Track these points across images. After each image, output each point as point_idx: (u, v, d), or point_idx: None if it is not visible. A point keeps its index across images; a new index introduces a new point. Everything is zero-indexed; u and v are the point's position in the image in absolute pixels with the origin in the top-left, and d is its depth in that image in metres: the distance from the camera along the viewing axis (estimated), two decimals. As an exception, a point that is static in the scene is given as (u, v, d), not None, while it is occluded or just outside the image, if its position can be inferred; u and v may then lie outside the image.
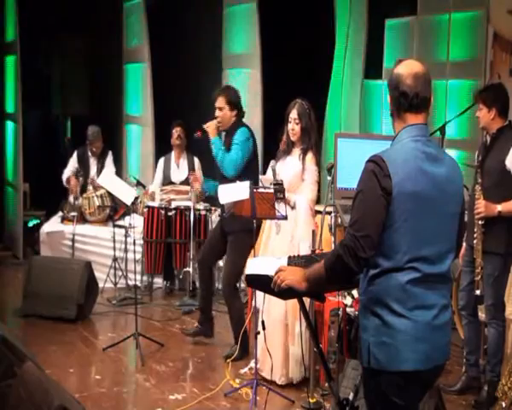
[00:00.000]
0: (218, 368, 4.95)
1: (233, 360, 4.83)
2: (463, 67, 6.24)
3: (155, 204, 6.78)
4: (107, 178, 5.71)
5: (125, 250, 6.73)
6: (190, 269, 6.51)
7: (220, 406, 4.27)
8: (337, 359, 4.36)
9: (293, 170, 4.54)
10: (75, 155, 7.43)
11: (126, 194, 5.42)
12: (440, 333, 2.35)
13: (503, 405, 3.91)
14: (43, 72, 10.08)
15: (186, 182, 6.94)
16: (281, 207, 4.29)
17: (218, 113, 5.04)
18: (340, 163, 4.14)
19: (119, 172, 7.81)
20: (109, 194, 6.81)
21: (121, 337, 5.26)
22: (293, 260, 2.64)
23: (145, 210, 6.79)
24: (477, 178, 4.19)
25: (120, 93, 8.99)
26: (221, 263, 6.05)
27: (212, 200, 6.36)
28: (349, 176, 4.02)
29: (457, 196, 2.44)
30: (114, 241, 6.74)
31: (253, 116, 7.18)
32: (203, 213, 6.67)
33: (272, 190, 4.31)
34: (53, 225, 7.35)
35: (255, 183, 4.42)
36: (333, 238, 4.55)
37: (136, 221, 6.78)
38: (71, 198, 7.26)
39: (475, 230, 4.10)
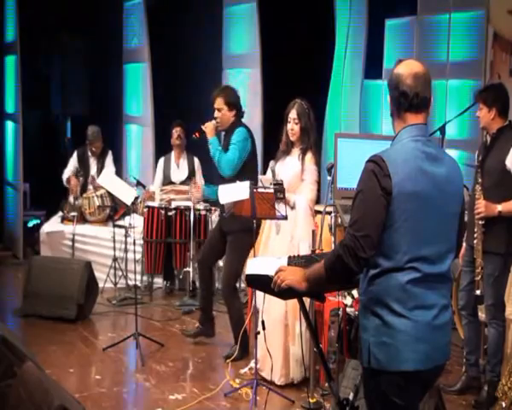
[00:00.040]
0: (218, 368, 4.95)
1: (233, 360, 4.84)
2: (463, 67, 6.24)
3: (155, 204, 6.78)
4: (107, 178, 5.71)
5: (125, 250, 6.73)
6: (190, 269, 6.51)
7: (220, 406, 4.27)
8: (337, 359, 4.36)
9: (292, 170, 4.54)
10: (75, 154, 7.43)
11: (126, 194, 5.42)
12: (440, 333, 2.35)
13: (503, 405, 3.92)
14: (43, 72, 10.09)
15: (186, 182, 6.95)
16: (281, 208, 4.29)
17: (216, 113, 5.04)
18: (340, 163, 4.13)
19: (119, 172, 7.81)
20: (109, 194, 6.81)
21: (121, 337, 5.26)
22: (293, 260, 2.64)
23: (145, 210, 6.79)
24: (477, 178, 4.19)
25: (120, 93, 8.98)
26: (221, 263, 6.04)
27: (212, 201, 6.37)
28: (349, 176, 4.01)
29: (457, 195, 2.44)
30: (114, 241, 6.74)
31: (253, 116, 7.18)
32: (203, 213, 6.67)
33: (272, 190, 4.30)
34: (53, 225, 7.35)
35: (254, 183, 4.42)
36: (333, 238, 4.54)
37: (136, 221, 6.78)
38: (71, 198, 7.26)
39: (475, 230, 4.10)
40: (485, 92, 4.26)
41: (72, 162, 7.40)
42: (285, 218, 4.31)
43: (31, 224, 8.59)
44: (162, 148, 7.64)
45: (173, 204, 6.74)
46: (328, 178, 4.23)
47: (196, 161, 7.13)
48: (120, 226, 6.77)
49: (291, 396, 4.33)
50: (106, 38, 9.30)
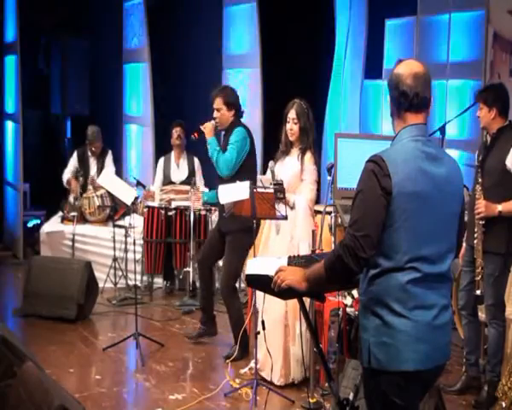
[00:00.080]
0: (218, 368, 4.95)
1: (233, 360, 4.84)
2: (463, 67, 6.24)
3: (155, 204, 6.78)
4: (107, 178, 5.71)
5: (125, 250, 6.73)
6: (190, 269, 6.51)
7: (220, 406, 4.27)
8: (337, 359, 4.35)
9: (291, 170, 4.54)
10: (75, 155, 7.43)
11: (126, 194, 5.42)
12: (441, 333, 2.35)
13: (503, 405, 3.92)
14: (43, 72, 10.09)
15: (186, 182, 6.94)
16: (281, 207, 4.29)
17: (215, 114, 5.04)
18: (340, 163, 4.14)
19: (119, 172, 7.81)
20: (109, 194, 6.81)
21: (121, 337, 5.26)
22: (293, 260, 2.64)
23: (145, 210, 6.79)
24: (477, 178, 4.19)
25: (120, 93, 8.98)
26: (221, 263, 6.04)
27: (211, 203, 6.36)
28: (349, 176, 4.01)
29: (457, 195, 2.44)
30: (114, 241, 6.74)
31: (253, 116, 7.19)
32: (203, 213, 6.66)
33: (272, 190, 4.30)
34: (53, 225, 7.35)
35: (253, 182, 4.42)
36: (333, 238, 4.54)
37: (136, 221, 6.78)
38: (71, 198, 7.26)
39: (476, 230, 4.10)
40: (485, 92, 4.26)
41: (72, 162, 7.40)
42: (285, 218, 4.31)
43: (31, 224, 8.59)
44: (162, 148, 7.65)
45: (173, 204, 6.74)
46: (328, 178, 4.23)
47: (196, 161, 7.12)
48: (120, 226, 6.76)
49: (291, 396, 4.33)
50: (106, 38, 9.31)
